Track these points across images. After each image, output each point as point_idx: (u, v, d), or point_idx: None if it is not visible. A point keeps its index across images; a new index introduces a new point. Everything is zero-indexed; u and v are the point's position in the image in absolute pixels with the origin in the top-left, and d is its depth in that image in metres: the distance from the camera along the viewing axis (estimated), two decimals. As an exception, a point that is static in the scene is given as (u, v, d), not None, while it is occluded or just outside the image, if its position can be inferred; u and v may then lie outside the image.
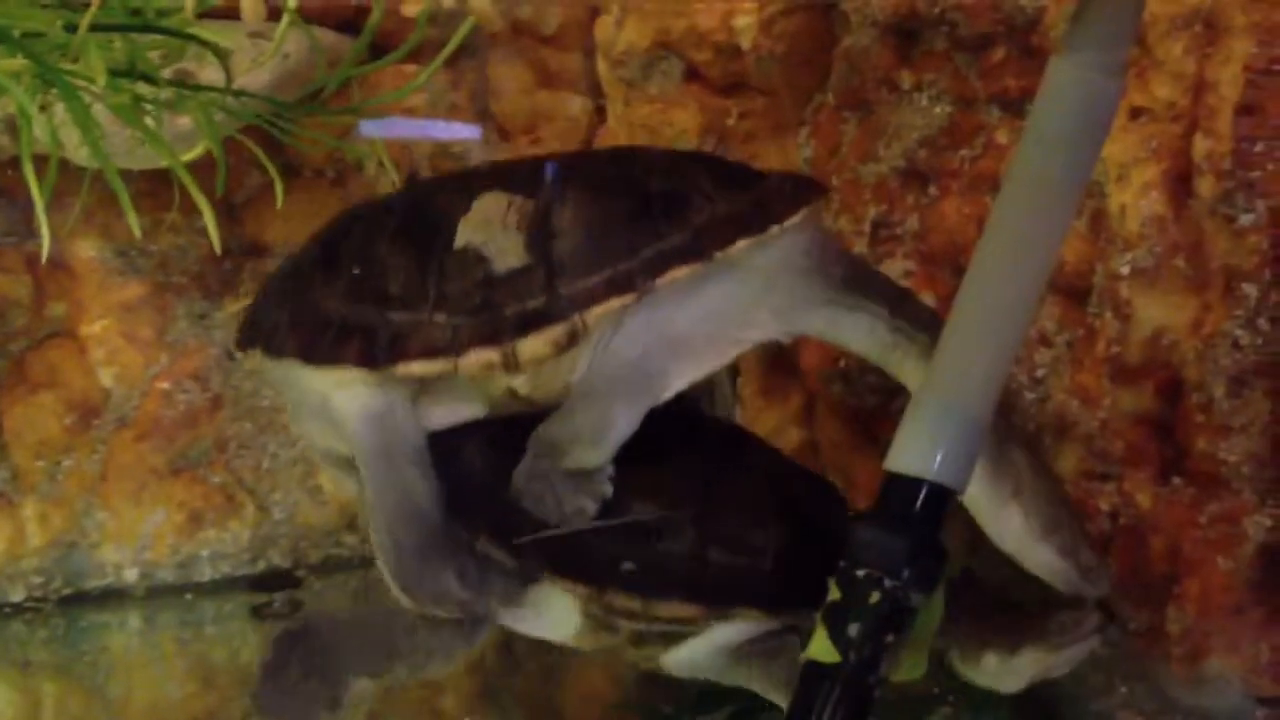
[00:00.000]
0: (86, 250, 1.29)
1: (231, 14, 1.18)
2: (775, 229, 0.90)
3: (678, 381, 0.93)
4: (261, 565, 1.31)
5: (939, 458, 0.81)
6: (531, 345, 0.88)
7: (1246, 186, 0.89)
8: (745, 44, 1.20)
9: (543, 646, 0.95)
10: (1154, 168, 0.93)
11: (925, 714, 0.96)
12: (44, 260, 1.06)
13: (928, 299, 1.07)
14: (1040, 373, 1.02)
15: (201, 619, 1.28)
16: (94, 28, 0.97)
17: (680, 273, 0.88)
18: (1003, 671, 0.93)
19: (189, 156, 1.11)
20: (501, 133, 1.39)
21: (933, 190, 1.12)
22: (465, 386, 0.92)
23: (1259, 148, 0.88)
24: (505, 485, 0.91)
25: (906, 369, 0.94)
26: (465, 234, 0.91)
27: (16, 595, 1.28)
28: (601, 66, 1.31)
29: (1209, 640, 0.91)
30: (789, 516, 0.94)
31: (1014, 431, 0.95)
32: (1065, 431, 0.99)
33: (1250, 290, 0.89)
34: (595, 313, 0.88)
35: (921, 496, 0.81)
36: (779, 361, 1.25)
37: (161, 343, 1.31)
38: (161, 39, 1.05)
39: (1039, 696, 0.97)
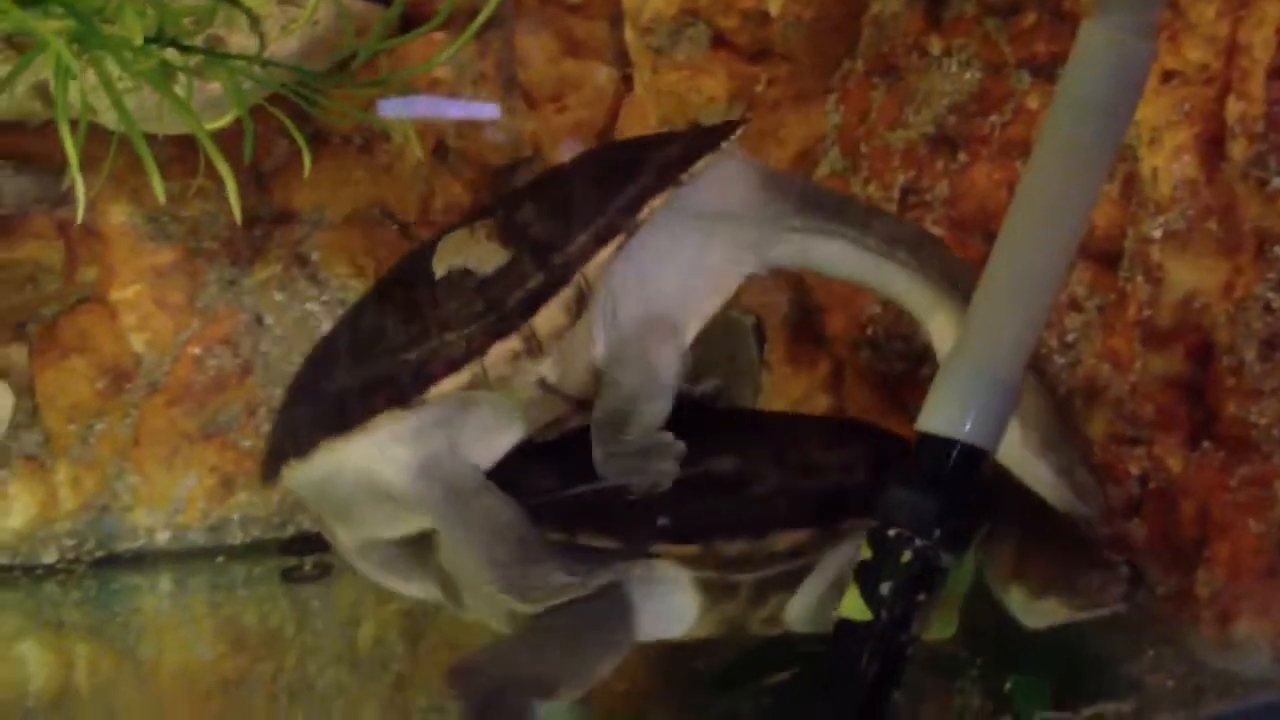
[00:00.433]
0: (117, 216, 1.30)
1: (262, -20, 1.19)
2: (729, 140, 0.92)
3: (690, 324, 0.94)
4: (291, 529, 1.32)
5: (970, 418, 0.82)
6: (546, 318, 0.88)
7: (1279, 149, 0.88)
8: (773, 10, 1.20)
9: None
10: (1186, 131, 0.93)
11: (954, 675, 0.96)
12: (79, 221, 1.06)
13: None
14: (1071, 337, 1.02)
15: (232, 582, 1.30)
16: (130, -11, 0.97)
17: (657, 202, 0.89)
18: (1026, 608, 0.93)
19: (217, 125, 1.11)
20: (528, 101, 1.39)
21: (962, 156, 1.11)
22: (498, 406, 0.91)
23: (1292, 110, 0.88)
24: (575, 482, 0.92)
25: (895, 289, 0.95)
26: (443, 264, 0.92)
27: (49, 558, 1.29)
28: (629, 34, 1.31)
29: (1239, 604, 0.91)
30: (852, 439, 0.96)
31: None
32: (1095, 396, 0.99)
33: (1282, 253, 0.89)
34: (594, 265, 0.89)
35: (953, 457, 0.82)
36: (806, 328, 1.26)
37: (192, 308, 1.32)
38: (194, 3, 1.05)
39: (1066, 659, 0.98)
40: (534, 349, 0.89)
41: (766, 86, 1.24)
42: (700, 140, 0.93)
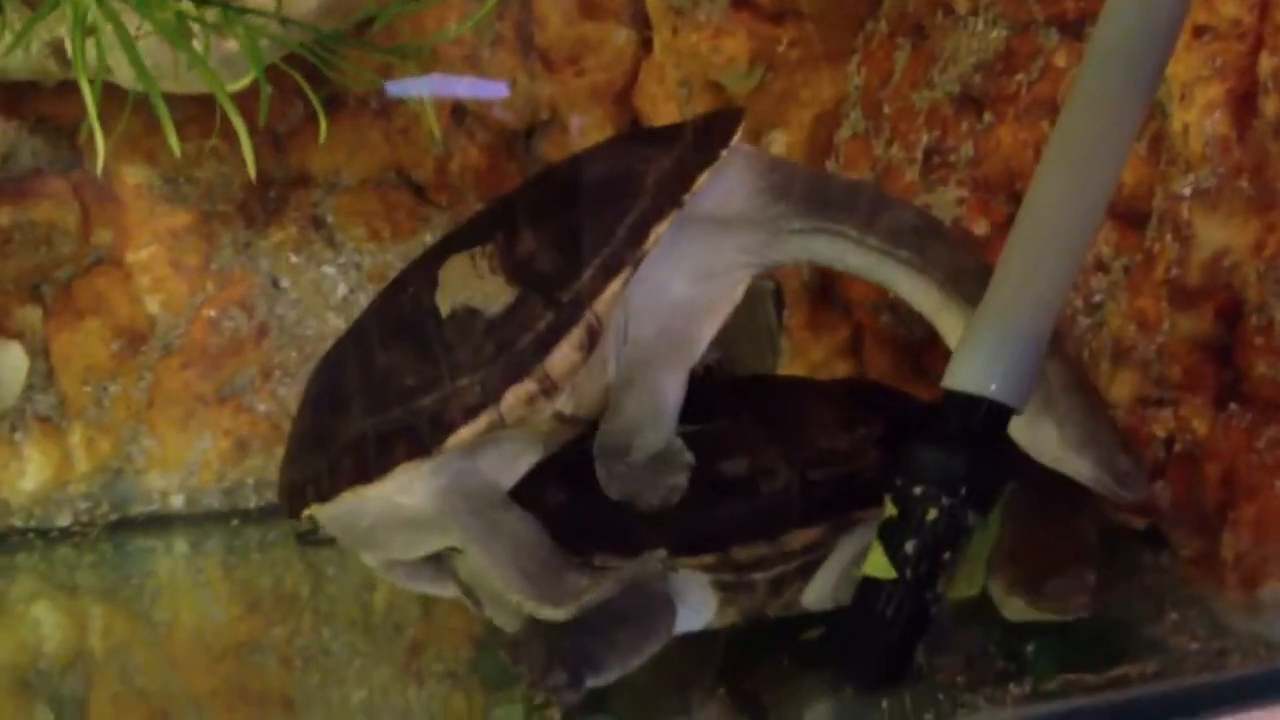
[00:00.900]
0: (133, 177, 1.29)
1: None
2: (723, 151, 0.90)
3: (703, 334, 0.93)
4: (306, 493, 1.32)
5: (997, 376, 0.81)
6: (559, 359, 0.88)
7: (1313, 106, 0.88)
8: (796, -31, 1.20)
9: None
10: (1218, 87, 0.92)
11: (977, 635, 0.96)
12: (98, 176, 1.06)
13: (981, 227, 1.07)
14: (1097, 298, 1.01)
15: (246, 545, 1.29)
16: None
17: (662, 228, 0.88)
18: (1001, 601, 0.93)
19: (236, 86, 1.10)
20: (546, 64, 1.38)
21: (988, 116, 1.10)
22: (515, 435, 0.91)
23: (1326, 66, 0.87)
24: (592, 505, 0.91)
25: (899, 287, 0.93)
26: (447, 302, 0.92)
27: (64, 520, 1.29)
28: (648, -6, 1.31)
29: (1265, 566, 0.91)
30: (861, 417, 0.95)
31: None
32: (1122, 357, 0.99)
33: (1314, 211, 0.88)
34: (603, 301, 0.88)
35: (979, 414, 0.81)
36: (826, 294, 1.25)
37: (207, 270, 1.31)
38: (211, -44, 1.04)
39: (1090, 622, 0.97)
40: (549, 389, 0.88)
41: (788, 47, 1.23)
42: (698, 148, 0.91)
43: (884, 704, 0.85)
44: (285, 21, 1.10)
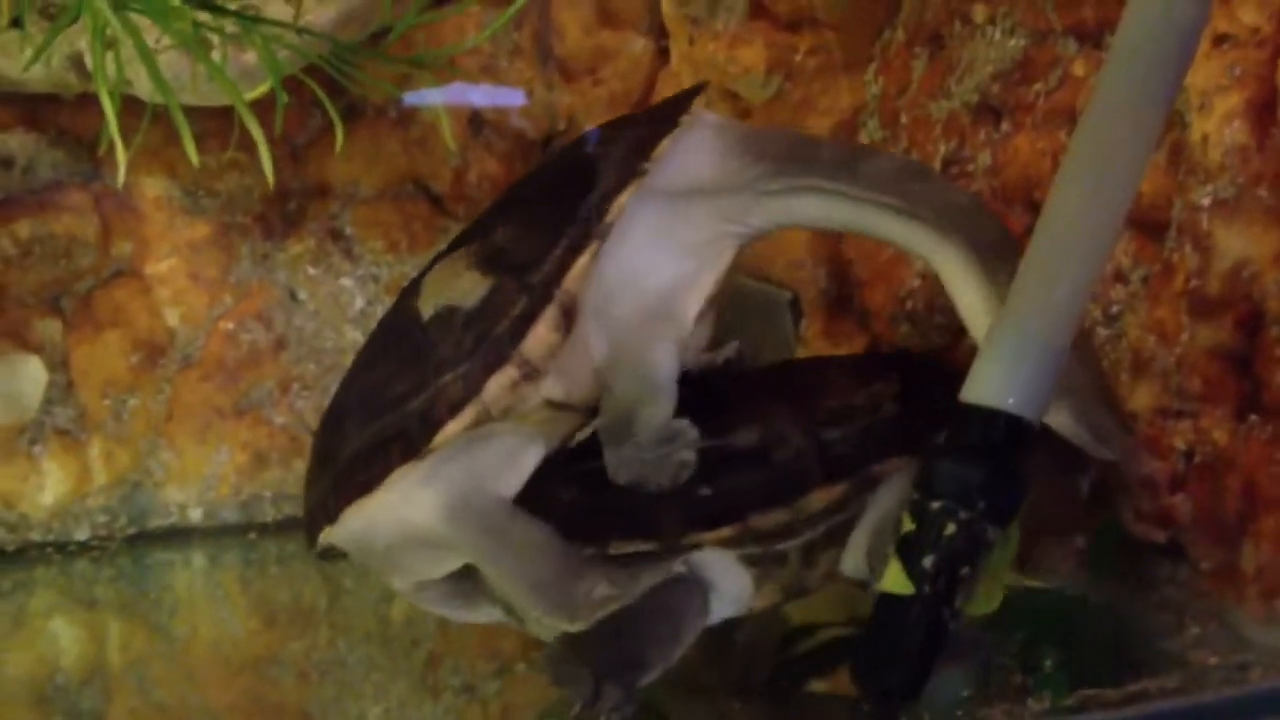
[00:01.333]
0: (152, 189, 1.30)
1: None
2: (686, 117, 0.91)
3: (688, 307, 0.93)
4: (324, 506, 1.32)
5: (1016, 389, 0.81)
6: (535, 340, 0.88)
7: (1333, 114, 0.87)
8: (812, -22, 1.19)
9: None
10: (1237, 95, 0.91)
11: (995, 650, 0.96)
12: (120, 187, 1.06)
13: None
14: (1115, 309, 1.01)
15: (265, 559, 1.30)
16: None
17: (624, 199, 0.89)
18: None
19: (253, 95, 1.11)
20: (564, 73, 1.39)
21: (1005, 126, 1.10)
22: (514, 431, 0.91)
23: (1347, 74, 0.87)
24: (604, 494, 0.91)
25: (889, 232, 0.92)
26: (429, 304, 0.92)
27: (82, 534, 1.29)
28: (665, 4, 1.30)
29: (1287, 579, 0.90)
30: (876, 375, 0.96)
31: None
32: (1141, 368, 0.98)
33: (1335, 221, 0.88)
34: (573, 277, 0.88)
35: (998, 428, 0.81)
36: (843, 303, 1.25)
37: (226, 283, 1.32)
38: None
39: (1107, 635, 0.97)
40: (531, 373, 0.88)
41: (805, 56, 1.22)
42: (658, 120, 0.92)
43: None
44: (302, 32, 1.10)
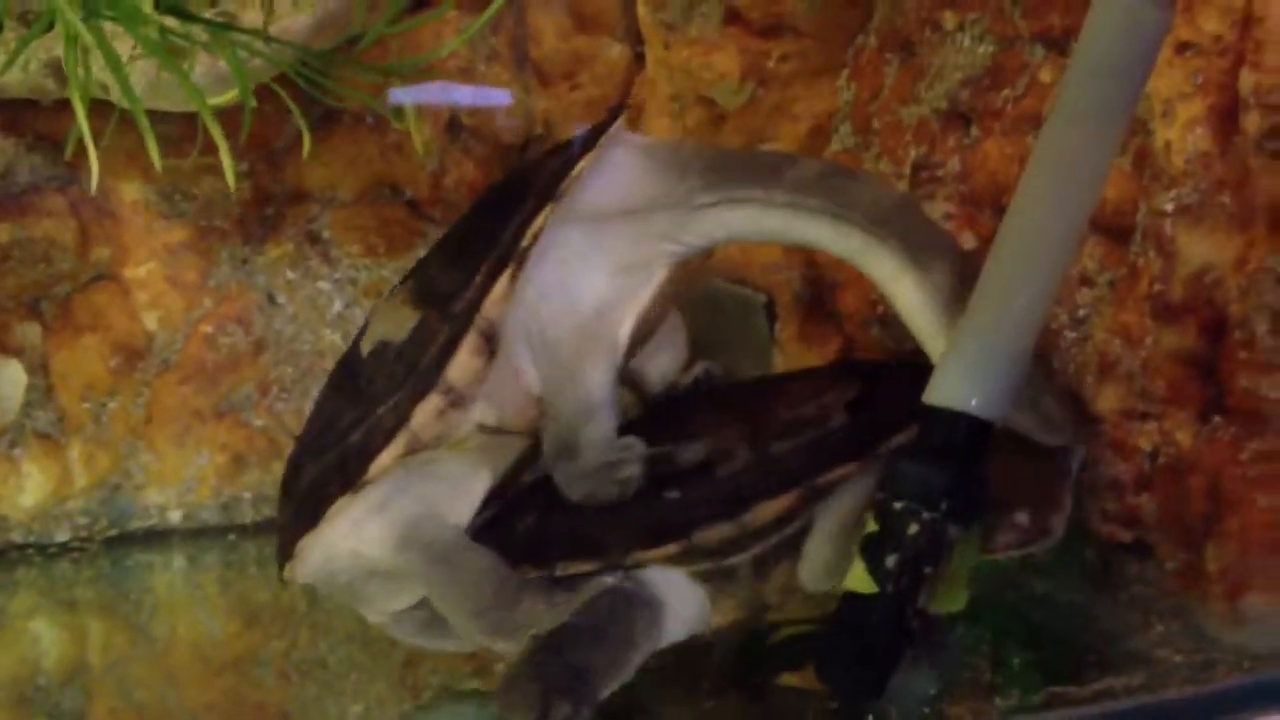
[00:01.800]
0: (131, 194, 1.30)
1: (273, -45, 1.19)
2: (603, 140, 0.91)
3: (623, 325, 0.93)
4: (303, 508, 1.33)
5: (978, 392, 0.82)
6: (458, 368, 0.89)
7: (1293, 121, 0.88)
8: (786, -15, 1.20)
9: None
10: (1200, 103, 0.92)
11: (962, 649, 0.97)
12: (92, 193, 1.06)
13: (969, 240, 1.07)
14: (1082, 313, 1.02)
15: (244, 560, 1.30)
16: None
17: (538, 222, 0.89)
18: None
19: (219, 100, 1.11)
20: (541, 78, 1.39)
21: (975, 131, 1.11)
22: (456, 459, 0.92)
23: (1306, 82, 0.88)
24: (553, 516, 0.92)
25: (818, 236, 0.92)
26: (369, 340, 0.95)
27: (62, 536, 1.30)
28: (641, 10, 1.31)
29: (1249, 578, 0.91)
30: (831, 384, 0.95)
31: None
32: (1107, 371, 0.99)
33: (1295, 226, 0.89)
34: (490, 303, 0.89)
35: (960, 430, 0.82)
36: (817, 306, 1.26)
37: (204, 286, 1.32)
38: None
39: (1074, 634, 0.98)
40: (458, 400, 0.89)
41: (779, 62, 1.23)
42: (578, 147, 0.93)
43: (869, 717, 0.85)
44: (270, 41, 1.10)
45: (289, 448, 1.30)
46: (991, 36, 1.09)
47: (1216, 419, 0.93)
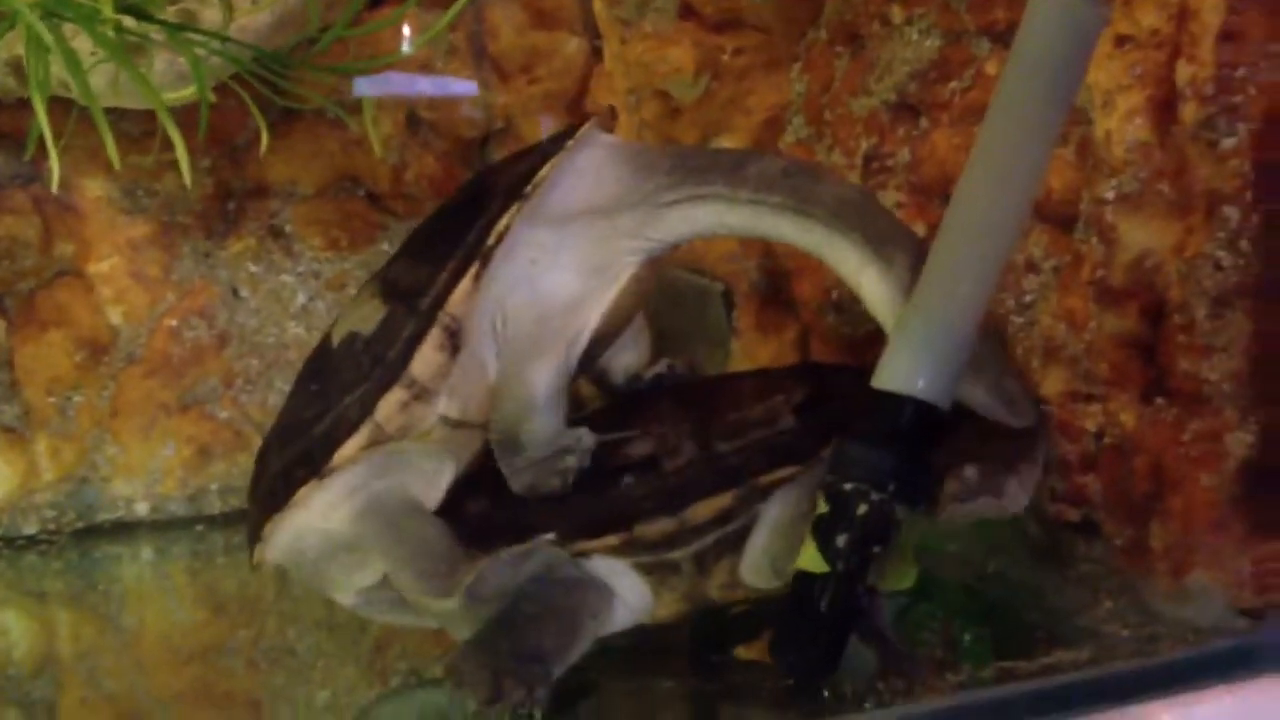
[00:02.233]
0: (93, 190, 1.30)
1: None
2: (570, 143, 0.93)
3: (583, 324, 0.95)
4: (269, 498, 1.33)
5: (924, 375, 0.84)
6: (421, 362, 0.91)
7: (1228, 111, 0.90)
8: (739, -20, 1.21)
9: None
10: (1138, 94, 0.94)
11: (913, 626, 0.99)
12: (54, 189, 1.07)
13: (920, 229, 1.09)
14: (1029, 298, 1.03)
15: (211, 550, 1.31)
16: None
17: (504, 222, 0.91)
18: None
19: (178, 97, 1.12)
20: (499, 73, 1.40)
21: (923, 123, 1.13)
22: (423, 450, 0.94)
23: (1240, 73, 0.90)
24: (501, 505, 0.94)
25: (782, 231, 0.93)
26: (338, 333, 0.97)
27: (30, 528, 1.31)
28: (597, 5, 1.32)
29: (1192, 554, 0.93)
30: (780, 386, 0.96)
31: None
32: (1052, 354, 1.01)
33: (1231, 213, 0.90)
34: (455, 301, 0.91)
35: (907, 413, 0.84)
36: (774, 294, 1.27)
37: (168, 281, 1.33)
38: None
39: (1021, 610, 1.00)
40: (421, 394, 0.92)
41: (733, 56, 1.25)
42: (545, 149, 0.94)
43: (825, 693, 0.87)
44: (227, 41, 1.11)
45: (254, 439, 1.33)
46: (938, 30, 1.11)
47: (1159, 400, 0.95)
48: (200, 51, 1.08)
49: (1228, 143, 0.90)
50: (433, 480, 0.95)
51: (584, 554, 0.91)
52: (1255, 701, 0.86)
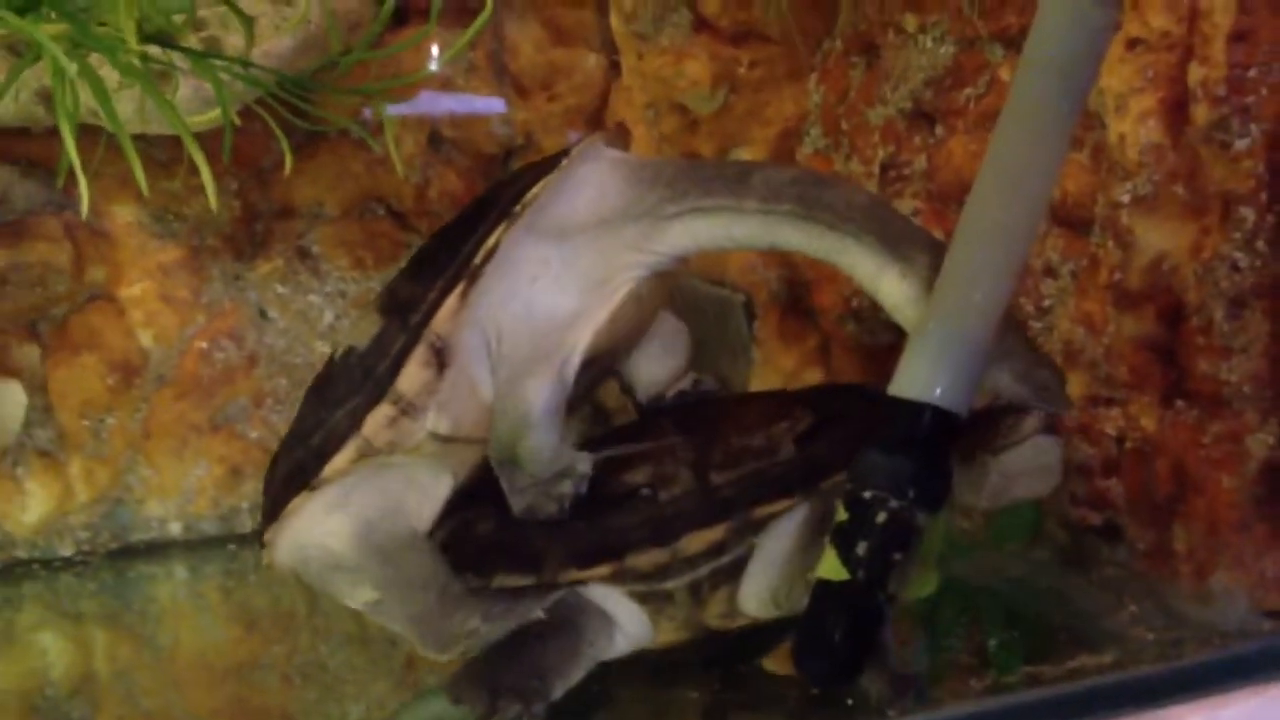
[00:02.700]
0: (124, 216, 1.32)
1: (255, -22, 1.21)
2: (564, 161, 0.92)
3: (577, 341, 0.94)
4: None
5: (942, 382, 0.84)
6: (408, 378, 0.91)
7: (1240, 112, 0.90)
8: (753, -7, 1.22)
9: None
10: (1151, 97, 0.94)
11: (939, 632, 0.99)
12: (84, 218, 1.08)
13: (937, 236, 1.09)
14: (1047, 303, 1.04)
15: (244, 568, 1.32)
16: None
17: (491, 242, 0.90)
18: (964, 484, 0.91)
19: (203, 121, 1.13)
20: (519, 90, 1.41)
21: (939, 130, 1.13)
22: (416, 464, 0.94)
23: (1251, 73, 0.90)
24: (498, 527, 0.94)
25: (789, 240, 0.92)
26: (339, 346, 0.97)
27: (66, 550, 1.32)
28: (614, 21, 1.33)
29: (1215, 557, 0.93)
30: (787, 414, 0.95)
31: None
32: (1072, 359, 1.01)
33: (1247, 213, 0.90)
34: (440, 318, 0.90)
35: (925, 420, 0.84)
36: (794, 304, 1.28)
37: (198, 303, 1.34)
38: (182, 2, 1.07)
39: (1045, 615, 1.00)
40: (408, 409, 0.91)
41: (749, 68, 1.25)
42: (544, 166, 0.94)
43: (849, 701, 0.87)
44: (249, 66, 1.12)
45: (284, 458, 1.34)
46: (952, 38, 1.11)
47: (1179, 403, 0.95)
48: (224, 77, 1.09)
49: (1241, 144, 0.91)
50: (429, 493, 0.95)
51: (575, 583, 0.91)
52: (1282, 703, 0.86)
